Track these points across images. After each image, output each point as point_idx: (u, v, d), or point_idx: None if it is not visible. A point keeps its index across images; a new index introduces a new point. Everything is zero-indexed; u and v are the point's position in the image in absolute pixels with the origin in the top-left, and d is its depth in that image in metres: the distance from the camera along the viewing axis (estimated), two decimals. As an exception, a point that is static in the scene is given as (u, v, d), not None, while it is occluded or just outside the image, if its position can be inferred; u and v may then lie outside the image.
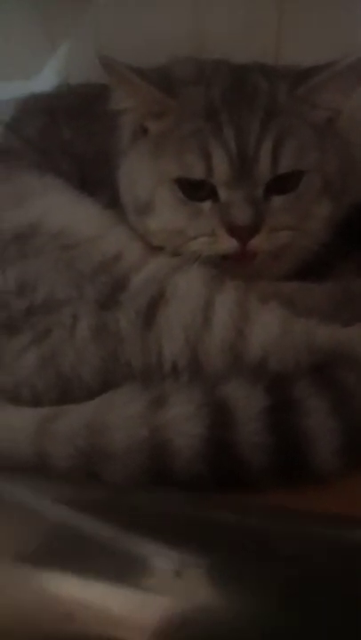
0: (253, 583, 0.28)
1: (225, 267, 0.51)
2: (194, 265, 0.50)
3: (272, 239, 0.50)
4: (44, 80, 0.76)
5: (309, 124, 0.51)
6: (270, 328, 0.47)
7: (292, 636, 0.27)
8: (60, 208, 0.52)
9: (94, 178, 0.57)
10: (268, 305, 0.49)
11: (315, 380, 0.42)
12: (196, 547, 0.30)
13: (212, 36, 0.70)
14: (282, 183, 0.50)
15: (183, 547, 0.29)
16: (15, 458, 0.40)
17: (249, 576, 0.29)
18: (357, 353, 0.45)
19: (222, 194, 0.50)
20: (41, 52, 0.77)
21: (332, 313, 0.51)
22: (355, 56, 0.49)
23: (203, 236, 0.50)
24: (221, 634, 0.26)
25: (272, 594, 0.28)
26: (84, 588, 0.28)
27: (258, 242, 0.49)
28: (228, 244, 0.50)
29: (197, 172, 0.49)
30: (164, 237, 0.53)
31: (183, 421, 0.40)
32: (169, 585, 0.27)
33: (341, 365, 0.44)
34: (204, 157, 0.49)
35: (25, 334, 0.46)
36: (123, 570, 0.28)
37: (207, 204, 0.50)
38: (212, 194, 0.50)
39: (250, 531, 0.33)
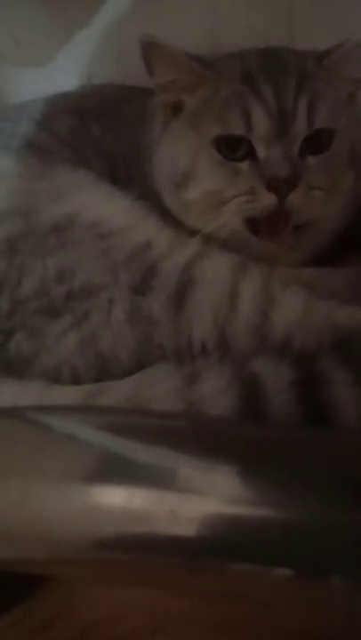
0: (282, 482, 0.32)
1: (255, 241, 0.54)
2: (221, 251, 0.53)
3: (308, 198, 0.52)
4: (60, 68, 0.78)
5: (337, 94, 0.54)
6: (293, 310, 0.50)
7: (313, 530, 0.30)
8: (94, 201, 0.55)
9: (124, 174, 0.60)
10: (290, 288, 0.52)
11: (337, 355, 0.45)
12: (226, 455, 0.34)
13: (226, 35, 0.73)
14: (315, 144, 0.53)
15: (213, 456, 0.34)
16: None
17: (277, 475, 0.32)
18: (377, 331, 0.48)
19: (260, 151, 0.52)
20: (56, 40, 0.80)
21: (350, 296, 0.54)
22: None
23: (241, 195, 0.52)
24: (251, 525, 0.30)
25: (298, 489, 0.31)
26: (129, 494, 0.32)
27: (295, 198, 0.51)
28: (267, 200, 0.51)
29: (238, 129, 0.52)
30: (202, 205, 0.55)
31: (216, 395, 0.43)
32: (199, 485, 0.32)
33: (361, 342, 0.47)
34: (244, 115, 0.52)
35: (65, 318, 0.50)
36: (160, 478, 0.33)
37: (245, 164, 0.53)
38: (249, 154, 0.53)
39: (276, 440, 0.37)
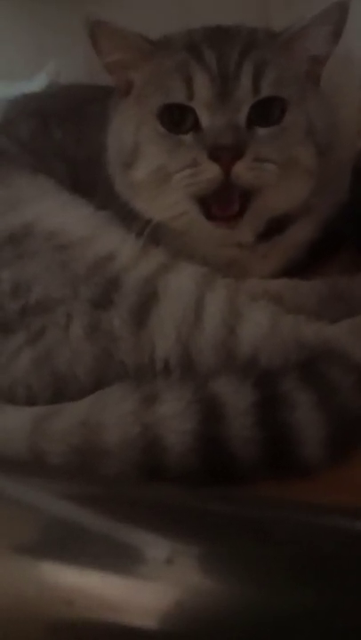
0: (243, 567, 0.30)
1: (212, 227, 0.52)
2: (185, 263, 0.51)
3: (256, 169, 0.49)
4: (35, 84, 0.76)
5: (290, 68, 0.52)
6: (260, 325, 0.48)
7: (281, 618, 0.28)
8: (53, 210, 0.53)
9: (86, 178, 0.58)
10: (257, 302, 0.50)
11: (301, 375, 0.43)
12: (188, 535, 0.31)
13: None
14: (265, 114, 0.51)
15: (175, 535, 0.31)
16: (10, 456, 0.42)
17: (239, 561, 0.30)
18: (343, 349, 0.46)
19: (204, 119, 0.50)
20: (31, 56, 0.78)
21: (320, 310, 0.52)
22: (328, 4, 0.51)
23: (185, 167, 0.50)
24: (213, 616, 0.28)
25: (262, 577, 0.29)
26: (82, 577, 0.29)
27: (241, 169, 0.49)
28: (210, 170, 0.49)
29: (179, 96, 0.50)
30: (150, 184, 0.53)
31: (174, 418, 0.41)
32: (160, 572, 0.29)
33: (327, 360, 0.45)
34: (186, 80, 0.50)
35: (20, 334, 0.48)
36: (118, 558, 0.30)
37: (189, 136, 0.51)
38: (193, 126, 0.51)
39: (241, 518, 0.34)
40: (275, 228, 0.58)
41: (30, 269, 0.49)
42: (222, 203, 0.51)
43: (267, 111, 0.51)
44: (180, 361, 0.48)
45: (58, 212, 0.53)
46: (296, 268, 0.58)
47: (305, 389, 0.42)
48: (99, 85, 0.65)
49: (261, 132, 0.50)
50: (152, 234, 0.53)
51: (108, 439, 0.41)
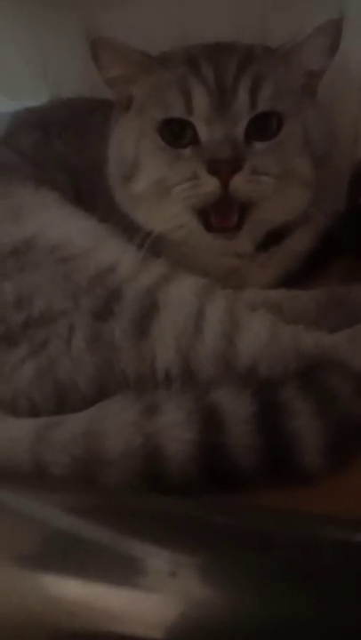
0: (245, 578, 0.30)
1: (211, 238, 0.53)
2: (185, 274, 0.52)
3: (253, 182, 0.50)
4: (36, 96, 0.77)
5: (286, 82, 0.53)
6: (259, 335, 0.48)
7: (283, 628, 0.29)
8: (55, 222, 0.53)
9: (88, 189, 0.59)
10: (256, 312, 0.50)
11: (300, 384, 0.44)
12: (190, 546, 0.32)
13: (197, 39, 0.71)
14: (262, 128, 0.51)
15: (177, 546, 0.31)
16: (13, 467, 0.42)
17: (240, 572, 0.30)
18: (342, 358, 0.47)
19: (203, 133, 0.51)
20: (31, 57, 0.78)
21: (319, 318, 0.53)
22: (325, 20, 0.52)
23: (184, 181, 0.51)
24: (216, 627, 0.28)
25: (263, 588, 0.30)
26: (85, 588, 0.29)
27: (239, 182, 0.50)
28: (209, 184, 0.50)
29: (178, 111, 0.51)
30: (150, 197, 0.54)
31: (175, 427, 0.42)
32: (163, 583, 0.29)
33: (326, 369, 0.45)
34: (184, 95, 0.51)
35: (22, 346, 0.48)
36: (121, 570, 0.30)
37: (188, 150, 0.52)
38: (193, 140, 0.52)
39: (242, 529, 0.35)
40: (273, 238, 0.58)
41: (33, 281, 0.50)
42: (221, 215, 0.52)
43: (264, 125, 0.52)
44: (180, 371, 0.48)
45: (60, 225, 0.54)
46: (295, 277, 0.58)
47: (304, 398, 0.43)
48: (98, 98, 0.66)
49: (259, 145, 0.51)
50: (152, 245, 0.54)
51: (110, 449, 0.42)
